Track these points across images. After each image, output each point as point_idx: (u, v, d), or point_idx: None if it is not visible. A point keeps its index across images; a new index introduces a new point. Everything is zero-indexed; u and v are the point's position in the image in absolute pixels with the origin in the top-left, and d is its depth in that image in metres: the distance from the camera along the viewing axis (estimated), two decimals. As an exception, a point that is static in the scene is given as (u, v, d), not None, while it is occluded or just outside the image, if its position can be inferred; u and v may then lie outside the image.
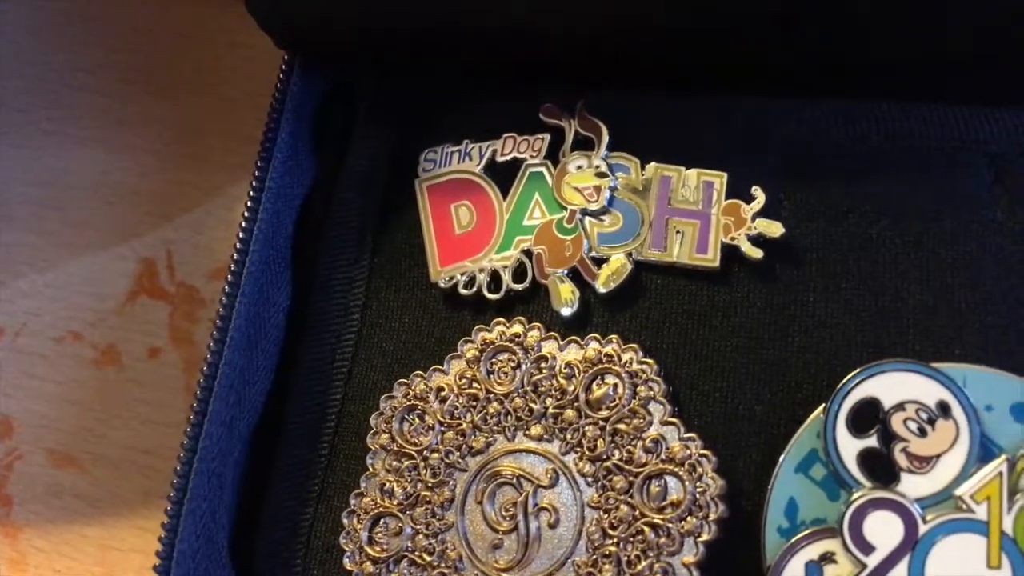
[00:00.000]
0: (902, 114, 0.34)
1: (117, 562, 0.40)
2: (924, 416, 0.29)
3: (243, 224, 0.36)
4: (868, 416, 0.29)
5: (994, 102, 0.34)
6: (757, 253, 0.32)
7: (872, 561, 0.28)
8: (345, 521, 0.33)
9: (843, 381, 0.30)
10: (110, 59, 0.48)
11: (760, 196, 0.32)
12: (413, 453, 0.33)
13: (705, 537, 0.29)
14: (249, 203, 0.36)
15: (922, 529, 0.28)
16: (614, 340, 0.32)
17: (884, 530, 0.28)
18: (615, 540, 0.30)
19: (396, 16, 0.36)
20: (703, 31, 0.34)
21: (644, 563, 0.30)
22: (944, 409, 0.29)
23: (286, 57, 0.39)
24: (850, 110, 0.35)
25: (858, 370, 0.30)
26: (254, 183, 0.36)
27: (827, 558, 0.29)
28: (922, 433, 0.29)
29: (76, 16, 0.49)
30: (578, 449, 0.32)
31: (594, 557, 0.30)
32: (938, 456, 0.29)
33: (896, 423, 0.29)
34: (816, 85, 0.35)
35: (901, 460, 0.29)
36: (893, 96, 0.35)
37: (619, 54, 0.36)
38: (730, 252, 0.32)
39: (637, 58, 0.36)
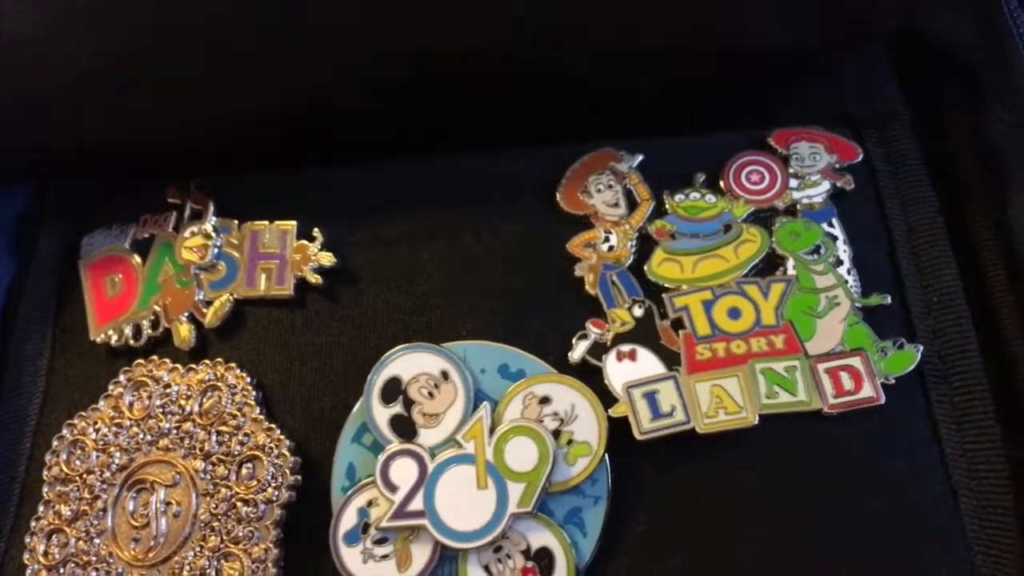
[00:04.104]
0: (453, 161, 0.44)
1: None
2: (432, 383, 0.38)
3: None
4: (394, 390, 0.38)
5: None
6: (317, 279, 0.41)
7: (397, 497, 0.37)
8: (27, 541, 0.41)
9: (374, 366, 0.39)
10: None
11: (319, 236, 0.42)
12: (75, 477, 0.41)
13: (282, 501, 0.38)
14: None
15: (430, 467, 0.37)
16: (220, 362, 0.41)
17: (404, 473, 0.37)
18: (217, 516, 0.38)
19: (75, 156, 0.45)
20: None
21: (237, 529, 0.38)
22: (445, 376, 0.38)
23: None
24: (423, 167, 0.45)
25: (384, 356, 0.39)
26: None
27: (372, 503, 0.37)
28: (431, 396, 0.38)
29: None
30: (194, 451, 0.40)
31: (203, 533, 0.38)
32: (444, 412, 0.38)
33: (412, 391, 0.38)
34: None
35: (418, 419, 0.38)
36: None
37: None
38: (301, 282, 0.42)
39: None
